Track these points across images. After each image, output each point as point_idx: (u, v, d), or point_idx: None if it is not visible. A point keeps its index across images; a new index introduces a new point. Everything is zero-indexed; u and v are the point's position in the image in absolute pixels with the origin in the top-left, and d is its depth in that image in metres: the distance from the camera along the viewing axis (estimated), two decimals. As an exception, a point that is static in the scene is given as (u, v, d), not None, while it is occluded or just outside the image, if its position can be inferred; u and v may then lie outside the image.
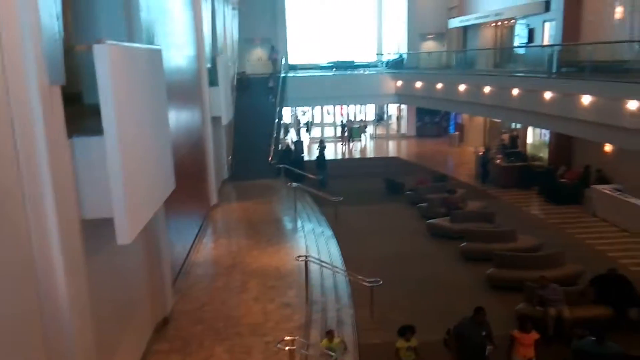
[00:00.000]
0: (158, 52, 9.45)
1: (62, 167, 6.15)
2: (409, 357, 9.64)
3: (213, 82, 20.03)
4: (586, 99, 17.31)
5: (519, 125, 28.52)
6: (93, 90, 6.22)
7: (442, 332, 11.45)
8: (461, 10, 35.03)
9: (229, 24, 28.36)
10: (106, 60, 5.99)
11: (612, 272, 11.88)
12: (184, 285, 13.00)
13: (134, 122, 7.10)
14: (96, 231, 7.06)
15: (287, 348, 8.76)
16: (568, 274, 13.33)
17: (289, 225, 18.24)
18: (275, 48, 35.66)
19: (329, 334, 9.85)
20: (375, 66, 38.40)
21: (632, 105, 15.17)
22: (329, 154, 30.80)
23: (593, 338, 9.48)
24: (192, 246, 15.39)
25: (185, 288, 12.84)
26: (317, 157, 25.90)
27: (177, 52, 14.64)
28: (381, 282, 12.13)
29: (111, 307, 8.34)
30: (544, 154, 25.88)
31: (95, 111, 6.27)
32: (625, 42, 19.89)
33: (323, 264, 13.72)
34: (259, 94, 30.14)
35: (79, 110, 7.58)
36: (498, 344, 9.82)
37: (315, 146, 35.05)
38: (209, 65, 19.68)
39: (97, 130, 6.22)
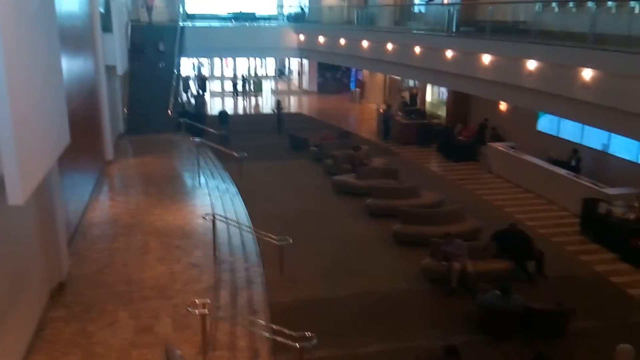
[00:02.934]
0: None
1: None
2: None
3: (106, 28, 18.67)
4: (486, 58, 17.74)
5: (418, 84, 29.07)
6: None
7: (351, 288, 11.62)
8: (364, -34, 34.76)
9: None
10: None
11: (512, 227, 12.38)
12: (80, 246, 12.24)
13: (23, 64, 6.33)
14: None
15: (197, 312, 8.39)
16: (469, 229, 13.83)
17: (191, 181, 17.62)
18: None
19: None
20: (276, 19, 37.53)
21: (530, 64, 15.69)
22: (229, 109, 30.12)
23: (498, 292, 9.86)
24: (87, 205, 14.51)
25: (82, 250, 12.08)
26: (220, 112, 25.18)
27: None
28: (290, 241, 11.97)
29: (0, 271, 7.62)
30: (442, 112, 26.59)
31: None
32: (520, 3, 20.43)
33: (230, 222, 13.35)
34: (157, 41, 28.39)
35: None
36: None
37: (215, 100, 34.14)
38: (101, 10, 18.28)
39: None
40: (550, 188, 17.00)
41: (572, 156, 17.22)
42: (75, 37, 14.22)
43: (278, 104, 27.61)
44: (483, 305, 9.99)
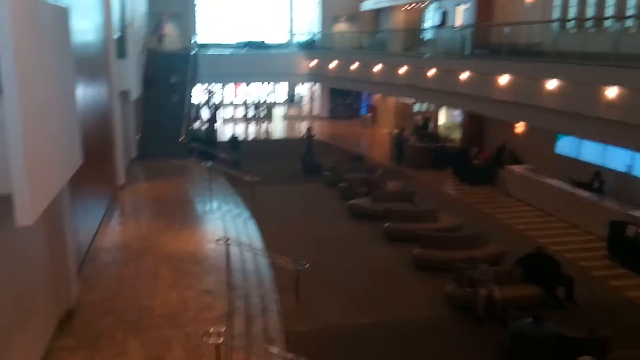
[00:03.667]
0: (64, 12, 8.33)
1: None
2: None
3: (121, 53, 18.53)
4: (503, 79, 17.44)
5: (430, 107, 28.81)
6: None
7: (371, 316, 11.11)
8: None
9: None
10: (6, 3, 4.92)
11: (539, 251, 11.89)
12: (90, 273, 11.80)
13: (38, 82, 6.03)
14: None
15: (211, 341, 7.90)
16: (492, 254, 13.30)
17: (203, 206, 17.25)
18: (162, 21, 32.31)
19: None
20: (287, 47, 37.54)
21: (549, 84, 15.34)
22: (240, 135, 29.88)
23: (530, 319, 9.34)
24: (98, 230, 14.12)
25: (92, 276, 11.65)
26: (231, 137, 24.85)
27: (82, 17, 13.20)
28: (307, 266, 11.50)
29: (4, 300, 7.20)
30: (456, 135, 26.22)
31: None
32: (534, 24, 20.20)
33: (244, 247, 12.93)
34: (171, 72, 28.21)
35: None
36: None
37: (228, 126, 33.99)
38: (117, 36, 18.15)
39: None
40: (573, 211, 16.47)
41: (595, 178, 16.71)
42: (90, 61, 14.01)
43: (309, 130, 26.75)
44: (515, 333, 9.45)
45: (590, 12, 18.05)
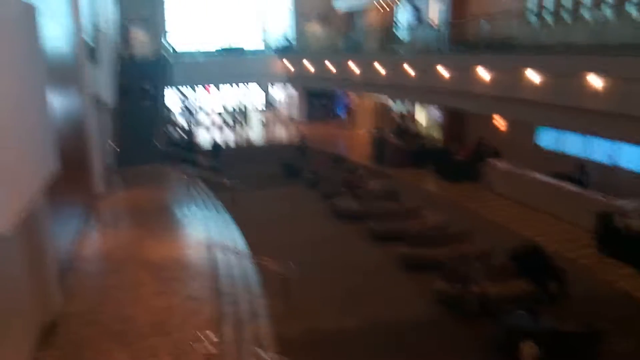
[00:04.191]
0: (32, 9, 7.96)
1: None
2: None
3: (94, 60, 18.07)
4: (482, 73, 17.40)
5: (409, 107, 28.76)
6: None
7: (362, 317, 10.88)
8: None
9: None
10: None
11: (529, 245, 11.77)
12: (72, 283, 11.39)
13: (5, 82, 5.68)
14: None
15: (201, 347, 7.61)
16: (480, 250, 13.11)
17: (184, 212, 16.87)
18: (130, 27, 31.63)
19: None
20: (264, 52, 37.21)
21: (530, 75, 15.30)
22: (221, 141, 29.48)
23: (524, 313, 9.17)
24: (77, 240, 13.69)
25: (74, 287, 11.24)
26: (213, 144, 24.53)
27: (51, 20, 12.76)
28: (295, 267, 11.23)
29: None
30: (436, 133, 26.15)
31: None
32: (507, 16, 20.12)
33: (229, 252, 12.62)
34: (142, 78, 27.69)
35: None
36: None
37: (206, 132, 33.58)
38: (89, 41, 17.69)
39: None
40: (557, 204, 16.39)
41: (579, 170, 16.67)
42: (62, 67, 13.58)
43: (302, 139, 26.60)
44: (509, 328, 9.28)
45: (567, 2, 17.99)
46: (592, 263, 13.23)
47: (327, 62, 29.51)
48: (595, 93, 13.05)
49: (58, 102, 12.30)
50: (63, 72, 13.71)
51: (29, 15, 7.78)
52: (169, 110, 29.78)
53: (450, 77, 19.58)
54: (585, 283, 12.10)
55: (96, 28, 19.66)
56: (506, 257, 11.94)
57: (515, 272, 11.36)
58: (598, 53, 13.43)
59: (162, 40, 32.55)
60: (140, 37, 32.87)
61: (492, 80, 17.30)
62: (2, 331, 7.44)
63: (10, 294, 8.03)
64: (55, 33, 13.27)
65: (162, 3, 34.68)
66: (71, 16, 15.70)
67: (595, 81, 12.95)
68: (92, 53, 17.94)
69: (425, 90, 21.56)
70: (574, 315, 10.28)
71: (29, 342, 8.63)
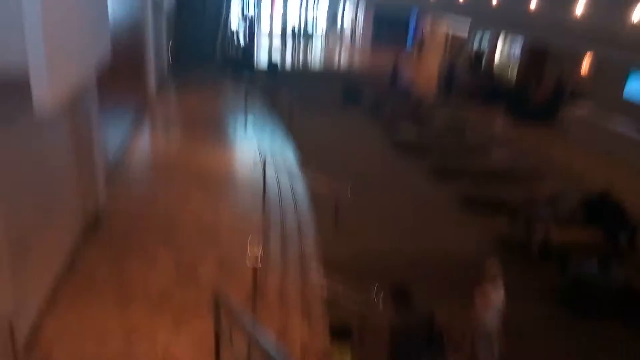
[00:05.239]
0: None
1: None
2: None
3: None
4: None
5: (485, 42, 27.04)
6: None
7: (415, 247, 10.24)
8: None
9: None
10: None
11: (603, 193, 10.76)
12: (118, 185, 11.08)
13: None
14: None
15: (248, 259, 7.16)
16: (550, 193, 12.15)
17: (237, 126, 16.35)
18: None
19: None
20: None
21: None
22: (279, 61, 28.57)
23: (595, 264, 8.30)
24: (127, 143, 13.38)
25: (120, 189, 10.92)
26: (269, 63, 23.67)
27: None
28: (348, 189, 10.59)
29: (28, 198, 6.49)
30: (511, 73, 24.52)
31: None
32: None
33: (281, 169, 12.09)
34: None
35: None
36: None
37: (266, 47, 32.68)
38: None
39: None
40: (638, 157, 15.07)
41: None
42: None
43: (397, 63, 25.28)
44: (576, 279, 8.47)
45: None
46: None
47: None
48: None
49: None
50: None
51: None
52: (230, 21, 28.86)
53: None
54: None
55: None
56: (577, 202, 10.96)
57: (585, 219, 10.42)
58: None
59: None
60: None
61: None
62: (46, 218, 7.14)
63: (55, 180, 7.69)
64: None
65: None
66: None
67: None
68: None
69: (511, 21, 19.87)
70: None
71: (73, 232, 8.37)
